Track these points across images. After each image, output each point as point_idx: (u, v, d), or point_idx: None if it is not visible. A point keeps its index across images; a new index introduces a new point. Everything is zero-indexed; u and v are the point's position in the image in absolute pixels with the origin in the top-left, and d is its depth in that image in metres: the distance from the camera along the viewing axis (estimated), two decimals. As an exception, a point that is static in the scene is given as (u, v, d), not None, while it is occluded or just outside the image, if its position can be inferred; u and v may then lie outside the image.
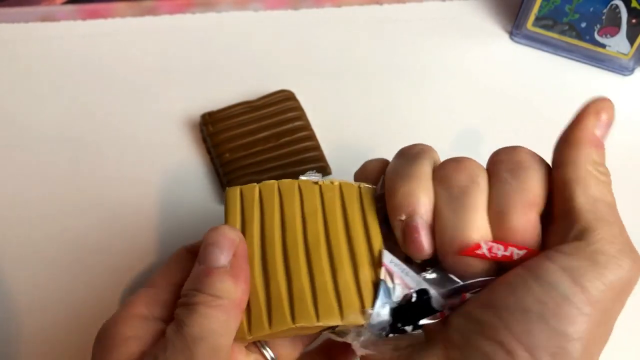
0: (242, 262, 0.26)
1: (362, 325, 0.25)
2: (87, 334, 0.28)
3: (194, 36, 0.51)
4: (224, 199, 0.28)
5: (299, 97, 0.45)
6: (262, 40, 0.51)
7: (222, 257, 0.25)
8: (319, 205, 0.27)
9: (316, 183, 0.28)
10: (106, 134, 0.45)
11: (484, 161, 0.44)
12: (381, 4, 0.53)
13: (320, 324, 0.25)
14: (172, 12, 0.52)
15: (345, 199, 0.28)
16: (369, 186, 0.28)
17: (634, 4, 0.45)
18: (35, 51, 0.49)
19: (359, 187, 0.28)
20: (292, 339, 0.30)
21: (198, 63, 0.49)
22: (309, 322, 0.25)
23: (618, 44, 0.48)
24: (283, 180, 0.28)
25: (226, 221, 0.27)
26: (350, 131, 0.45)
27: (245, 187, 0.28)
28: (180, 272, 0.27)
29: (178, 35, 0.51)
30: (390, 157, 0.45)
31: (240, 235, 0.26)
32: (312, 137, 0.42)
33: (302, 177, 0.29)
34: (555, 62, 0.50)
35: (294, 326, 0.25)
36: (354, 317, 0.25)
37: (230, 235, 0.26)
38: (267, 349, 0.29)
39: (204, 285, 0.25)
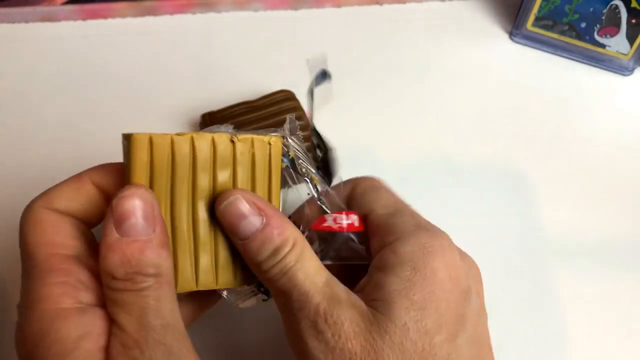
0: (162, 226, 0.24)
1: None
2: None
3: (194, 36, 0.51)
4: (125, 145, 0.26)
5: (299, 97, 0.45)
6: (262, 40, 0.51)
7: (147, 227, 0.23)
8: (230, 160, 0.26)
9: (231, 140, 0.26)
10: (106, 134, 0.44)
11: (483, 161, 0.44)
12: (381, 4, 0.53)
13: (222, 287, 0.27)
14: (172, 12, 0.52)
15: (256, 158, 0.27)
16: (279, 136, 0.28)
17: (633, 4, 0.45)
18: (35, 51, 0.49)
19: (269, 143, 0.27)
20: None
21: (198, 63, 0.49)
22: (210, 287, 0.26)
23: (618, 44, 0.48)
24: (196, 133, 0.26)
25: (132, 174, 0.25)
26: (350, 131, 0.45)
27: (155, 135, 0.25)
28: (103, 173, 0.26)
29: (178, 36, 0.51)
30: (389, 156, 0.45)
31: (152, 194, 0.24)
32: (310, 137, 0.42)
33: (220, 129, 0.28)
34: (555, 62, 0.50)
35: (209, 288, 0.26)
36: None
37: (148, 199, 0.24)
38: None
39: (141, 265, 0.23)
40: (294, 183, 0.29)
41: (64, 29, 0.51)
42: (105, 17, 0.51)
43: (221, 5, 0.52)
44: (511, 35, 0.51)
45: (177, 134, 0.25)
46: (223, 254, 0.27)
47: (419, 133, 0.46)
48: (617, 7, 0.46)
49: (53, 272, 0.24)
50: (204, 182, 0.26)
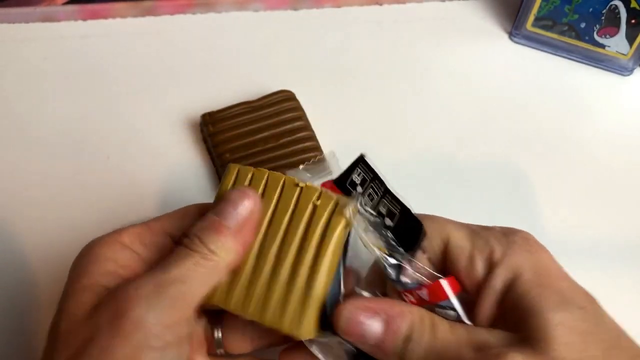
0: (249, 230, 0.27)
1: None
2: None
3: (194, 36, 0.51)
4: (225, 173, 0.29)
5: (299, 97, 0.45)
6: (262, 40, 0.51)
7: (235, 217, 0.27)
8: (292, 205, 0.28)
9: (297, 185, 0.28)
10: (107, 134, 0.45)
11: (483, 161, 0.44)
12: (381, 4, 0.54)
13: (293, 334, 0.26)
14: (172, 12, 0.52)
15: (318, 208, 0.28)
16: (347, 204, 0.28)
17: (633, 4, 0.45)
18: (35, 51, 0.49)
19: (336, 202, 0.27)
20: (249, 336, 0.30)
21: (198, 63, 0.49)
22: (280, 328, 0.26)
23: (617, 44, 0.48)
24: (274, 173, 0.29)
25: (221, 189, 0.29)
26: (350, 131, 0.45)
27: (245, 168, 0.29)
28: (178, 223, 0.28)
29: (178, 36, 0.51)
30: (389, 156, 0.45)
31: (259, 203, 0.27)
32: (312, 137, 0.43)
33: (291, 172, 0.29)
34: (554, 62, 0.50)
35: (263, 324, 0.27)
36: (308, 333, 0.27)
37: (252, 199, 0.27)
38: (219, 330, 0.30)
39: (208, 237, 0.26)
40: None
41: (64, 29, 0.51)
42: (105, 17, 0.51)
43: (221, 5, 0.52)
44: (511, 35, 0.51)
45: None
46: (292, 299, 0.27)
47: (418, 133, 0.46)
48: (616, 7, 0.46)
49: None
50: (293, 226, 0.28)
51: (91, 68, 0.48)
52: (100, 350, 0.23)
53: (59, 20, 0.51)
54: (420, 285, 0.27)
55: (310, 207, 0.28)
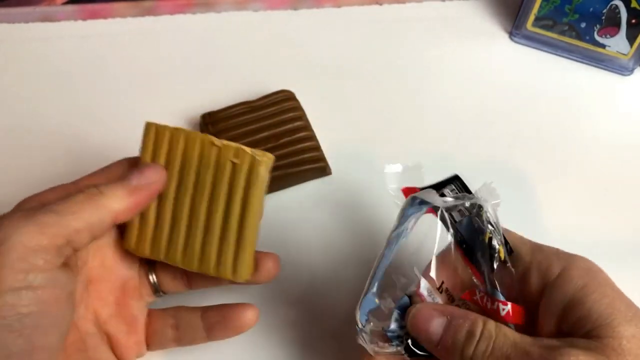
0: (145, 195, 0.29)
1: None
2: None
3: (194, 36, 0.51)
4: (144, 132, 0.31)
5: (299, 97, 0.45)
6: (262, 40, 0.51)
7: (137, 178, 0.29)
8: (212, 163, 0.30)
9: (214, 144, 0.30)
10: (107, 134, 0.45)
11: (483, 161, 0.44)
12: (381, 4, 0.54)
13: (207, 273, 0.30)
14: (172, 12, 0.52)
15: (236, 166, 0.30)
16: (268, 159, 0.30)
17: (633, 4, 0.45)
18: (35, 51, 0.49)
19: (255, 157, 0.30)
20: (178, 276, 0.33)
21: (198, 63, 0.49)
22: (194, 268, 0.30)
23: (618, 44, 0.48)
24: (190, 132, 0.30)
25: (142, 155, 0.31)
26: (350, 131, 0.45)
27: (159, 126, 0.31)
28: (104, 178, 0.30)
29: (178, 36, 0.51)
30: (389, 156, 0.44)
31: (164, 178, 0.30)
32: (312, 137, 0.42)
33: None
34: (555, 62, 0.50)
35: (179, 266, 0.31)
36: (232, 274, 0.30)
37: (159, 172, 0.30)
38: (153, 274, 0.33)
39: (101, 183, 0.28)
40: (447, 230, 0.30)
41: (64, 28, 0.51)
42: (105, 17, 0.51)
43: (221, 5, 0.52)
44: (511, 35, 0.51)
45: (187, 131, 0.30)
46: (227, 249, 0.30)
47: (418, 133, 0.46)
48: (617, 7, 0.46)
49: None
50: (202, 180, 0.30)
51: (91, 68, 0.48)
52: None
53: (58, 20, 0.51)
54: (506, 300, 0.28)
55: (229, 164, 0.30)
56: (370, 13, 0.53)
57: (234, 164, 0.30)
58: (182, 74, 0.48)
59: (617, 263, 0.40)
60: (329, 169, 0.42)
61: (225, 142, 0.30)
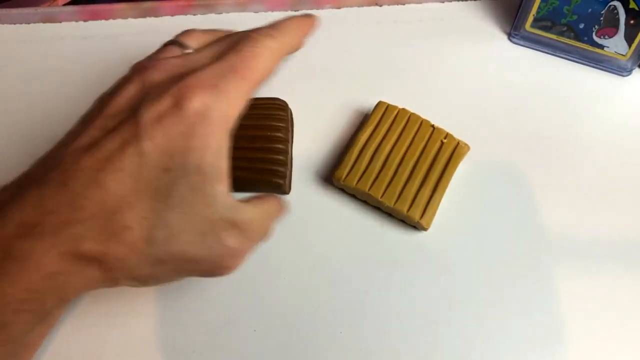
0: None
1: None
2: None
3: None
4: (374, 108, 0.43)
5: (297, 96, 0.45)
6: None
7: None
8: (425, 138, 0.42)
9: (433, 125, 0.43)
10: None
11: (481, 162, 0.44)
12: (380, 5, 0.54)
13: (401, 211, 0.39)
14: (172, 13, 0.52)
15: (444, 145, 0.42)
16: (467, 149, 0.43)
17: (632, 5, 0.45)
18: (36, 52, 0.49)
19: (457, 142, 0.43)
20: None
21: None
22: (390, 202, 0.40)
23: (616, 44, 0.48)
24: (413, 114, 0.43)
25: (369, 120, 0.43)
26: (349, 131, 0.45)
27: (390, 105, 0.44)
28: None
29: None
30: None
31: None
32: (285, 151, 0.41)
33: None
34: (553, 63, 0.51)
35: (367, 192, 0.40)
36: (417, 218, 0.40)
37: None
38: None
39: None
40: None
41: (65, 29, 0.51)
42: (106, 18, 0.51)
43: (222, 6, 0.52)
44: (510, 36, 0.52)
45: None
46: (422, 197, 0.40)
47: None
48: (615, 8, 0.46)
49: None
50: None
51: (91, 68, 0.48)
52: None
53: (60, 22, 0.51)
54: None
55: (439, 142, 0.42)
56: (370, 14, 0.53)
57: (442, 142, 0.42)
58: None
59: (618, 263, 0.41)
60: (287, 188, 0.41)
61: (438, 126, 0.42)
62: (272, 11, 0.53)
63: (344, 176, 0.40)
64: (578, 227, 0.42)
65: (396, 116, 0.43)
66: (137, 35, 0.51)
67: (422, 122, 0.42)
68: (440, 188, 0.40)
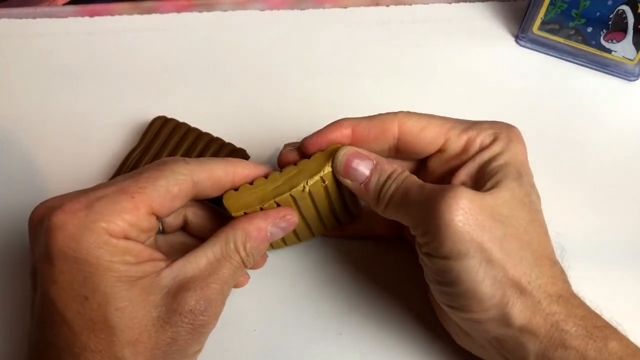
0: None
1: None
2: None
3: (195, 36, 0.51)
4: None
5: (299, 96, 0.44)
6: (262, 39, 0.51)
7: (277, 232, 0.33)
8: (309, 201, 0.34)
9: (304, 189, 0.33)
10: (109, 132, 0.45)
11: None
12: (387, 5, 0.53)
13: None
14: (171, 12, 0.52)
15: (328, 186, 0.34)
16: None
17: (640, 9, 0.45)
18: (38, 47, 0.49)
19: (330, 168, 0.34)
20: None
21: (200, 64, 0.49)
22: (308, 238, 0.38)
23: (624, 49, 0.48)
24: (280, 197, 0.33)
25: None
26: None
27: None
28: (170, 204, 0.31)
29: (180, 35, 0.51)
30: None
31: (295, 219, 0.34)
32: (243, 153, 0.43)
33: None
34: (560, 66, 0.50)
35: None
36: None
37: (292, 217, 0.34)
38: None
39: (254, 250, 0.32)
40: None
41: (70, 25, 0.51)
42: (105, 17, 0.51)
43: (222, 5, 0.52)
44: (517, 38, 0.51)
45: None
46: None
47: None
48: (623, 12, 0.46)
49: None
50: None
51: (91, 68, 0.48)
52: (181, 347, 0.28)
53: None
54: None
55: (323, 189, 0.34)
56: (376, 14, 0.53)
57: (326, 187, 0.34)
58: (183, 73, 0.48)
59: (621, 266, 0.40)
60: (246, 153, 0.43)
61: (309, 181, 0.33)
62: (271, 10, 0.52)
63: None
64: (585, 231, 0.42)
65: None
66: (136, 34, 0.50)
67: (296, 195, 0.33)
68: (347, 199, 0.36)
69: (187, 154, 0.41)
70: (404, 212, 0.31)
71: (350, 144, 0.34)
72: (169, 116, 0.44)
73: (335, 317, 0.38)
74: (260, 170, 0.34)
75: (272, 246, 0.37)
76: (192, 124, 0.44)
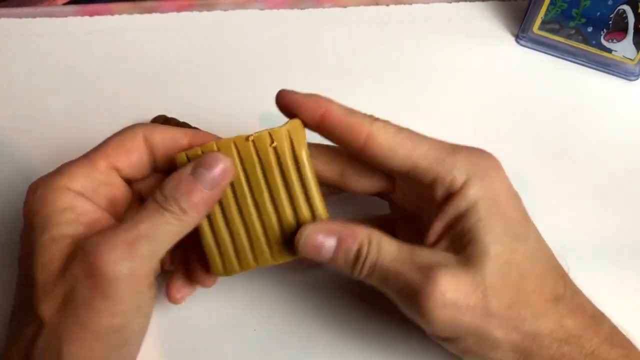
0: (219, 192, 0.30)
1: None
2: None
3: (194, 36, 0.51)
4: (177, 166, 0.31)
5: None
6: (261, 39, 0.51)
7: (210, 180, 0.29)
8: (255, 158, 0.31)
9: (248, 139, 0.30)
10: (107, 133, 0.44)
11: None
12: (387, 5, 0.53)
13: (277, 263, 0.32)
14: (171, 12, 0.52)
15: (277, 148, 0.31)
16: (297, 123, 0.31)
17: (641, 9, 0.45)
18: (35, 49, 0.49)
19: (287, 130, 0.31)
20: None
21: (200, 64, 0.49)
22: (268, 263, 0.32)
23: (624, 49, 0.48)
24: (220, 140, 0.31)
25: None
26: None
27: (189, 152, 0.31)
28: (126, 159, 0.31)
29: (180, 34, 0.51)
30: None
31: (232, 167, 0.30)
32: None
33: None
34: (560, 66, 0.50)
35: (256, 267, 0.32)
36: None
37: (226, 162, 0.29)
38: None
39: (182, 198, 0.28)
40: None
41: (66, 25, 0.51)
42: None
43: (221, 5, 0.52)
44: (517, 38, 0.51)
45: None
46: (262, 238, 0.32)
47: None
48: (624, 12, 0.46)
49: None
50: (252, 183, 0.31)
51: (90, 68, 0.48)
52: (83, 302, 0.27)
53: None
54: None
55: (271, 151, 0.30)
56: (376, 14, 0.53)
57: (274, 148, 0.30)
58: (183, 72, 0.48)
59: (620, 267, 0.40)
60: None
61: (255, 134, 0.30)
62: (271, 9, 0.52)
63: (221, 269, 0.32)
64: (582, 231, 0.42)
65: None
66: (136, 33, 0.50)
67: (236, 143, 0.31)
68: (311, 187, 0.31)
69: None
70: (386, 291, 0.30)
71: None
72: (169, 115, 0.44)
73: (336, 317, 0.38)
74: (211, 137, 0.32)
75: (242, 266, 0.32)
76: (193, 123, 0.44)
